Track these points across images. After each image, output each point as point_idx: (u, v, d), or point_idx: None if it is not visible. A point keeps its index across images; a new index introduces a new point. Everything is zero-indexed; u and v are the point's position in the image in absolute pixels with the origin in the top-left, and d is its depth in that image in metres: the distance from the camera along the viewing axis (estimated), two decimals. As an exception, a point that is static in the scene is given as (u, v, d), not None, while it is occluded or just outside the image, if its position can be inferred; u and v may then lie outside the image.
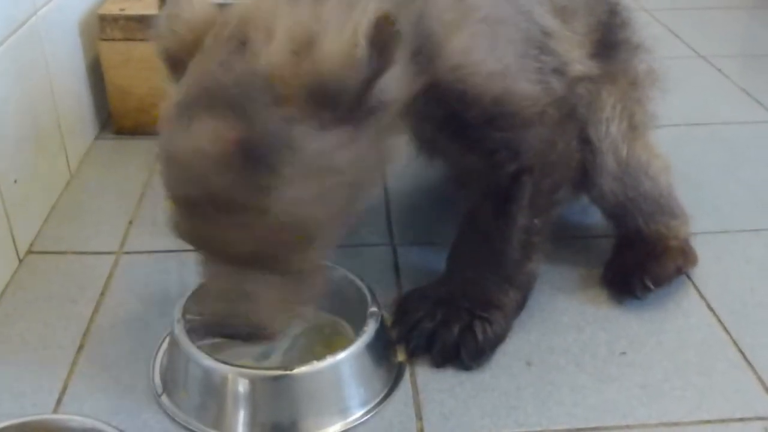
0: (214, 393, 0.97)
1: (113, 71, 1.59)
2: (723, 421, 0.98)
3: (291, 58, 0.80)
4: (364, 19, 0.78)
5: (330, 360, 0.97)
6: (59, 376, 1.05)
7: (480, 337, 1.06)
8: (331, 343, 1.07)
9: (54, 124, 1.43)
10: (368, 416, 0.98)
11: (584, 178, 1.14)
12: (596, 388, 1.03)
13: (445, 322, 1.06)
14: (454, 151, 1.08)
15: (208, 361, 0.98)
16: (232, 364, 0.97)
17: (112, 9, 1.56)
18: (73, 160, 1.51)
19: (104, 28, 1.55)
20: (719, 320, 1.14)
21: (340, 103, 0.81)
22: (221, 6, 0.91)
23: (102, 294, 1.20)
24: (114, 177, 1.51)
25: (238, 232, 0.82)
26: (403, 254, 1.29)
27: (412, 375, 1.05)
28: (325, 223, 0.86)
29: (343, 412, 0.98)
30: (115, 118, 1.65)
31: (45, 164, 1.38)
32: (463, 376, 1.04)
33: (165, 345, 1.07)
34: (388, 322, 1.10)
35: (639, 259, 1.19)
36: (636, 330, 1.12)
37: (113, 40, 1.56)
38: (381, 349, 1.03)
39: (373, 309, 1.04)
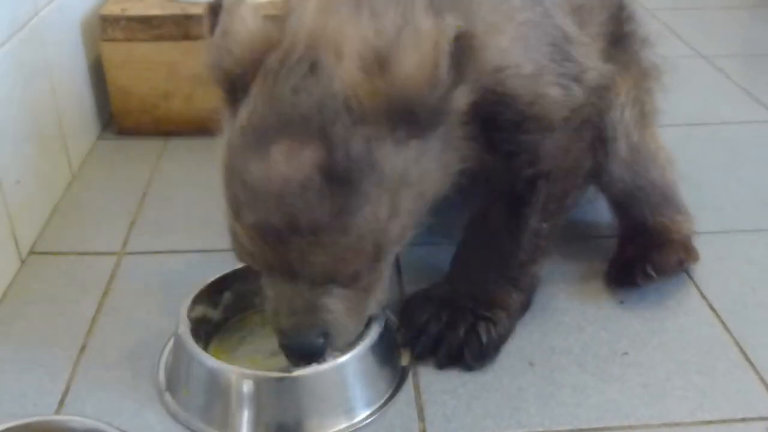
0: (218, 394, 0.97)
1: (115, 71, 1.59)
2: (725, 421, 0.98)
3: (364, 77, 0.81)
4: (443, 35, 0.79)
5: (333, 362, 0.96)
6: (62, 377, 1.05)
7: (484, 338, 1.06)
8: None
9: (56, 125, 1.43)
10: (373, 417, 0.99)
11: (596, 165, 1.14)
12: (598, 388, 1.03)
13: (450, 325, 1.06)
14: (475, 151, 1.08)
15: (211, 362, 0.98)
16: (236, 366, 0.98)
17: (114, 9, 1.56)
18: (74, 160, 1.51)
19: (106, 28, 1.55)
20: (721, 320, 1.14)
21: (416, 119, 0.82)
22: (274, 20, 0.90)
23: (104, 294, 1.20)
24: (116, 177, 1.51)
25: (316, 253, 0.83)
26: (405, 254, 1.28)
27: (415, 376, 1.05)
28: (396, 235, 0.88)
29: (348, 413, 0.98)
30: (117, 118, 1.65)
31: (47, 165, 1.39)
32: (466, 377, 1.04)
33: (170, 344, 1.08)
34: (392, 323, 1.10)
35: (642, 249, 1.19)
36: (638, 330, 1.13)
37: (115, 40, 1.56)
38: (385, 351, 1.03)
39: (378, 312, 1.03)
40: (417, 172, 0.86)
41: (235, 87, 0.87)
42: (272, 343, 0.97)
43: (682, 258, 1.20)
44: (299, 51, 0.84)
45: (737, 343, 1.10)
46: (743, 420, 0.98)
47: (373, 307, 0.96)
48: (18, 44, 1.27)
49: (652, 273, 1.16)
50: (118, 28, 1.55)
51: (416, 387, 1.03)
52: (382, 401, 1.00)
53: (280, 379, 0.95)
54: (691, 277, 1.22)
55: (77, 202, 1.43)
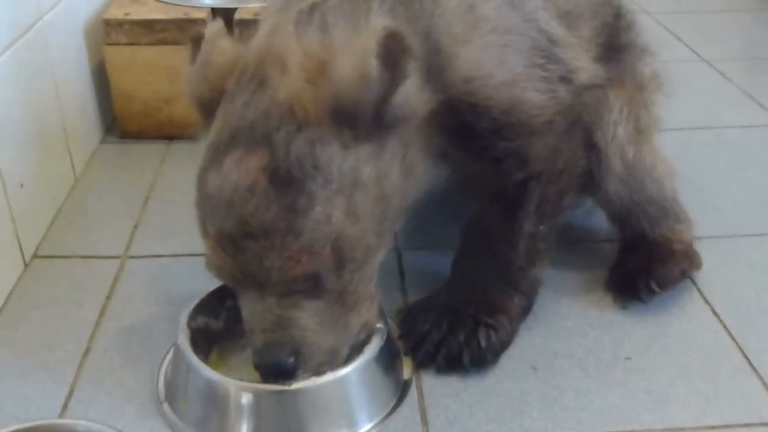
0: (216, 405, 0.96)
1: (118, 75, 1.60)
2: (728, 426, 0.98)
3: (306, 85, 0.84)
4: (373, 37, 0.82)
5: (335, 374, 0.95)
6: (65, 380, 1.05)
7: (483, 343, 1.06)
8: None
9: (59, 128, 1.43)
10: (375, 430, 0.98)
11: (590, 181, 1.15)
12: (601, 393, 1.03)
13: (451, 330, 1.06)
14: (461, 158, 1.08)
15: (210, 373, 0.97)
16: (235, 377, 0.98)
17: (117, 13, 1.57)
18: (78, 164, 1.51)
19: (109, 32, 1.56)
20: (724, 325, 1.14)
21: (359, 121, 0.84)
22: (243, 44, 0.93)
23: (108, 298, 1.20)
24: (119, 181, 1.51)
25: (271, 257, 0.85)
26: (407, 259, 1.29)
27: (418, 380, 1.05)
28: (357, 239, 0.88)
29: (350, 426, 0.97)
30: (120, 122, 1.65)
31: (50, 168, 1.39)
32: (469, 381, 1.04)
33: (170, 354, 1.07)
34: (394, 331, 1.10)
35: (644, 263, 1.19)
36: (640, 335, 1.13)
37: (118, 44, 1.57)
38: (387, 363, 1.02)
39: (379, 325, 1.02)
40: (372, 175, 0.88)
41: (209, 111, 0.91)
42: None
43: (684, 268, 1.20)
44: (251, 70, 0.88)
45: (740, 349, 1.10)
46: (746, 426, 0.98)
47: (355, 326, 0.95)
48: (22, 48, 1.28)
49: (655, 288, 1.16)
50: (121, 32, 1.56)
51: (419, 391, 1.03)
52: (384, 413, 1.00)
53: (280, 392, 0.94)
54: (694, 282, 1.22)
55: (80, 205, 1.43)
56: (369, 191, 0.88)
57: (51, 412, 1.00)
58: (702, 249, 1.24)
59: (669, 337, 1.12)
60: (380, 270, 1.23)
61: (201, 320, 1.06)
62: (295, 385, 0.93)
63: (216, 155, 0.87)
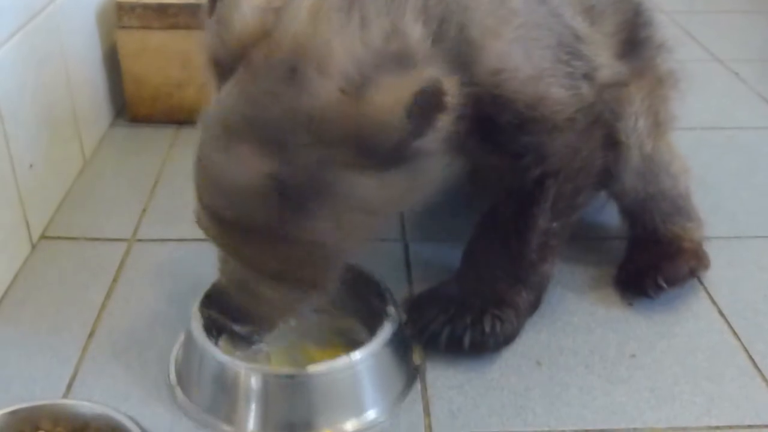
0: (225, 388, 0.97)
1: (129, 59, 1.60)
2: (731, 427, 0.98)
3: (339, 97, 0.82)
4: (410, 88, 0.81)
5: (347, 359, 0.96)
6: (70, 362, 1.05)
7: (487, 329, 1.06)
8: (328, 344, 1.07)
9: (69, 111, 1.43)
10: (384, 417, 0.98)
11: (607, 173, 1.14)
12: (605, 390, 1.02)
13: (458, 315, 1.06)
14: (480, 151, 1.08)
15: (222, 357, 0.98)
16: (246, 362, 0.98)
17: (130, -3, 1.57)
18: (87, 147, 1.51)
19: (121, 16, 1.56)
20: (730, 326, 1.14)
21: (375, 154, 0.84)
22: (271, 11, 0.90)
23: (114, 281, 1.20)
24: (128, 164, 1.52)
25: (257, 251, 0.88)
26: (414, 251, 1.29)
27: (422, 371, 1.05)
28: (342, 250, 0.91)
29: (359, 412, 0.97)
30: (130, 106, 1.65)
31: (60, 150, 1.39)
32: (473, 374, 1.04)
33: (181, 338, 1.07)
34: (404, 322, 1.09)
35: (653, 259, 1.19)
36: (646, 333, 1.12)
37: (130, 28, 1.57)
38: (398, 351, 1.02)
39: (391, 309, 1.03)
40: (375, 200, 0.89)
41: (223, 72, 0.90)
42: (284, 340, 1.00)
43: (693, 267, 1.20)
44: (284, 53, 0.85)
45: (746, 350, 1.09)
46: (750, 427, 0.98)
47: (306, 308, 0.99)
48: (33, 31, 1.28)
49: (663, 284, 1.16)
50: (133, 16, 1.56)
51: (423, 382, 1.03)
52: (393, 401, 1.00)
53: (291, 376, 0.95)
54: (701, 282, 1.22)
55: (89, 188, 1.44)
56: (367, 213, 0.89)
57: (55, 393, 1.00)
58: (710, 249, 1.23)
59: (675, 336, 1.12)
60: (387, 262, 1.25)
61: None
62: (309, 369, 0.95)
63: (225, 135, 0.86)
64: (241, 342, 1.00)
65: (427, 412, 0.99)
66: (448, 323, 1.06)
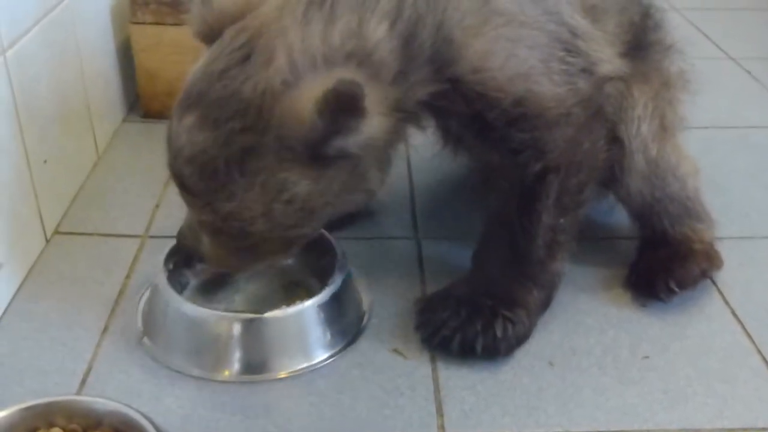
0: (197, 336, 1.05)
1: (143, 54, 1.60)
2: (745, 429, 0.97)
3: (278, 89, 0.87)
4: (322, 86, 0.84)
5: (299, 306, 1.05)
6: (83, 357, 1.06)
7: (499, 333, 1.06)
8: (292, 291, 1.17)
9: (83, 106, 1.43)
10: (332, 360, 1.06)
11: (612, 176, 1.14)
12: (618, 391, 1.03)
13: (469, 320, 1.06)
14: (479, 148, 1.08)
15: (187, 306, 1.06)
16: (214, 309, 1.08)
17: (144, -8, 1.57)
18: (100, 142, 1.52)
19: (135, 11, 1.56)
20: (743, 327, 1.13)
21: (297, 148, 0.88)
22: None
23: (127, 277, 1.21)
24: (141, 160, 1.52)
25: (193, 207, 0.97)
26: (427, 248, 1.29)
27: (434, 371, 1.05)
28: (269, 236, 0.96)
29: (307, 354, 1.06)
30: (143, 101, 1.65)
31: (73, 145, 1.39)
32: (485, 374, 1.04)
33: (147, 295, 1.15)
34: (353, 273, 1.16)
35: (663, 262, 1.19)
36: (659, 334, 1.12)
37: (144, 23, 1.57)
38: (348, 298, 1.11)
39: (342, 260, 1.13)
40: (302, 192, 0.92)
41: (206, 43, 0.97)
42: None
43: (704, 268, 1.19)
44: (246, 36, 0.91)
45: (759, 351, 1.09)
46: (764, 429, 0.97)
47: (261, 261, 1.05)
48: (49, 25, 1.28)
49: (675, 288, 1.15)
50: (147, 11, 1.56)
51: (435, 382, 1.03)
52: (341, 346, 1.08)
53: (251, 321, 1.05)
54: (714, 283, 1.22)
55: (102, 183, 1.44)
56: (293, 205, 0.92)
57: (69, 388, 1.01)
58: (722, 249, 1.23)
59: (688, 337, 1.12)
60: (400, 259, 1.25)
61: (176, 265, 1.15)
62: (264, 315, 1.05)
63: (183, 104, 0.92)
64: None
65: (439, 413, 0.99)
66: (460, 329, 1.06)
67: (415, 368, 1.05)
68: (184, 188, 0.95)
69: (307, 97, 0.85)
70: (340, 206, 0.99)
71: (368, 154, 0.94)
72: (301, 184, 0.91)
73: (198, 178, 0.91)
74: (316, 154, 0.89)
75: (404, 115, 0.96)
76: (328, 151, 0.89)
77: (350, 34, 0.89)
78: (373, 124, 0.89)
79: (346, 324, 1.10)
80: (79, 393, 1.00)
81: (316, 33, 0.89)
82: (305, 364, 1.05)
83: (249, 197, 0.91)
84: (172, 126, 0.94)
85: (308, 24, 0.89)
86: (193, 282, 1.18)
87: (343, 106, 0.85)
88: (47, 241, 1.27)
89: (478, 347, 1.05)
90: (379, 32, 0.90)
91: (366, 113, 0.87)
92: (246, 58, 0.89)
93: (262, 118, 0.87)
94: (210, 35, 0.96)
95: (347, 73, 0.86)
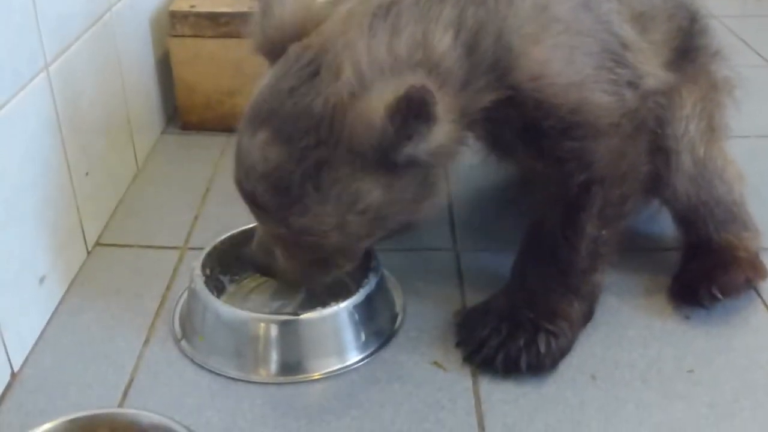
0: (236, 337, 1.07)
1: (182, 67, 1.61)
2: (794, 445, 0.96)
3: (347, 101, 0.87)
4: (395, 92, 0.84)
5: (334, 307, 1.06)
6: (125, 369, 1.06)
7: (543, 349, 1.05)
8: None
9: (124, 119, 1.45)
10: (365, 361, 1.08)
11: (658, 178, 1.13)
12: (662, 405, 1.01)
13: (511, 335, 1.06)
14: (525, 158, 1.07)
15: (225, 309, 1.08)
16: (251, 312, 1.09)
17: (183, 6, 1.58)
18: (140, 154, 1.53)
19: (174, 24, 1.57)
20: (790, 340, 1.11)
21: (368, 155, 0.88)
22: (318, 9, 0.98)
23: (167, 288, 1.21)
24: (180, 172, 1.53)
25: (264, 223, 0.98)
26: (466, 259, 1.28)
27: (475, 384, 1.04)
28: (341, 248, 0.97)
29: (342, 355, 1.08)
30: (182, 113, 1.67)
31: (114, 158, 1.41)
32: (527, 388, 1.03)
33: (184, 296, 1.18)
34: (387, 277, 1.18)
35: (707, 269, 1.17)
36: (703, 346, 1.10)
37: (183, 36, 1.58)
38: (381, 299, 1.13)
39: (375, 261, 1.13)
40: (375, 202, 0.92)
41: (272, 59, 0.97)
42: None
43: (749, 277, 1.17)
44: (313, 52, 0.92)
45: (807, 365, 1.07)
46: (813, 445, 0.96)
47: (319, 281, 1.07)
48: (91, 38, 1.29)
49: (718, 294, 1.14)
50: (186, 24, 1.57)
51: (476, 395, 1.02)
52: (375, 347, 1.10)
53: (285, 322, 1.07)
54: (758, 294, 1.19)
55: (142, 196, 1.45)
56: (366, 215, 0.93)
57: (111, 400, 1.01)
58: (767, 260, 1.21)
59: (733, 350, 1.10)
60: (439, 271, 1.25)
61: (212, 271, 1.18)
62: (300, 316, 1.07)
63: (254, 120, 0.93)
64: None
65: (481, 426, 0.98)
66: (502, 346, 1.05)
67: (456, 381, 1.05)
68: (257, 205, 0.95)
69: (378, 103, 0.85)
70: (411, 216, 0.98)
71: (437, 163, 0.93)
72: (373, 193, 0.91)
73: (272, 194, 0.92)
74: (387, 161, 0.88)
75: (468, 122, 0.96)
76: (398, 158, 0.88)
77: (416, 45, 0.90)
78: (443, 131, 0.88)
79: (380, 325, 1.12)
80: (121, 405, 1.01)
81: (382, 45, 0.89)
82: (339, 366, 1.07)
83: (324, 210, 0.91)
84: (242, 143, 0.94)
85: (374, 36, 0.90)
86: (230, 288, 1.20)
87: (414, 112, 0.84)
88: (88, 253, 1.28)
89: (523, 365, 1.04)
90: (444, 42, 0.90)
91: (437, 119, 0.86)
92: (314, 74, 0.90)
93: (334, 131, 0.88)
94: (272, 50, 0.97)
95: (418, 80, 0.86)
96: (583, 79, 0.97)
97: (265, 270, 1.06)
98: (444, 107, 0.88)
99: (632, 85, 1.01)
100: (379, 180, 0.91)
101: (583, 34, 0.97)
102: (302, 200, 0.91)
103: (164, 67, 1.64)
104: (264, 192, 0.92)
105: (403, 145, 0.87)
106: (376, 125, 0.85)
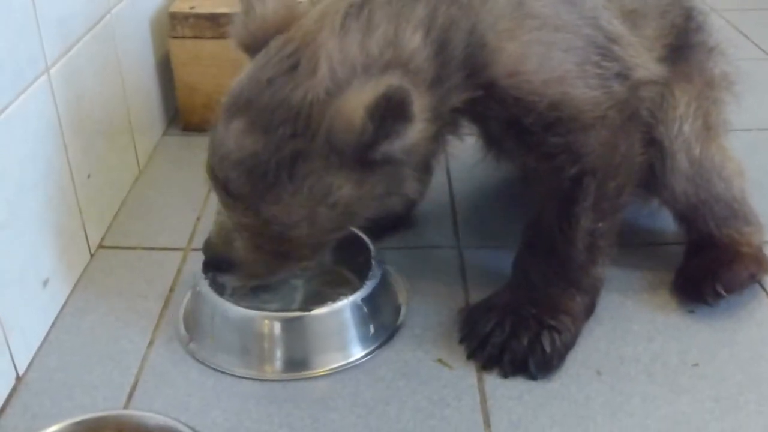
0: (242, 336, 1.08)
1: (182, 68, 1.61)
2: (800, 438, 0.96)
3: (323, 97, 0.89)
4: (378, 89, 0.85)
5: (338, 303, 1.07)
6: (130, 370, 1.06)
7: (548, 348, 1.05)
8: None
9: (125, 120, 1.45)
10: (369, 356, 1.08)
11: (655, 179, 1.13)
12: (668, 399, 1.01)
13: (514, 334, 1.06)
14: (517, 153, 1.08)
15: (230, 308, 1.08)
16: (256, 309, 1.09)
17: (183, 7, 1.58)
18: (142, 156, 1.53)
19: (174, 25, 1.57)
20: (794, 333, 1.11)
21: (346, 153, 0.89)
22: (297, 6, 0.99)
23: (171, 290, 1.21)
24: (181, 173, 1.53)
25: (232, 210, 0.97)
26: (469, 256, 1.28)
27: (480, 381, 1.04)
28: (307, 240, 0.98)
29: (345, 351, 1.08)
30: (183, 114, 1.67)
31: (116, 160, 1.41)
32: (532, 384, 1.03)
33: (188, 296, 1.18)
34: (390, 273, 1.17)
35: (710, 265, 1.17)
36: (708, 340, 1.10)
37: (183, 37, 1.58)
38: (383, 298, 1.13)
39: (376, 255, 1.15)
40: (346, 197, 0.93)
41: (253, 54, 0.99)
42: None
43: (753, 272, 1.17)
44: (293, 46, 0.93)
45: (812, 358, 1.07)
46: (819, 437, 0.96)
47: (293, 265, 1.06)
48: (90, 41, 1.29)
49: (722, 291, 1.13)
50: (186, 25, 1.57)
51: (481, 392, 1.02)
52: (379, 342, 1.10)
53: (290, 319, 1.08)
54: (763, 288, 1.19)
55: (144, 197, 1.45)
56: (336, 209, 0.94)
57: (117, 402, 1.01)
58: (770, 254, 1.21)
59: (737, 343, 1.10)
60: (442, 268, 1.25)
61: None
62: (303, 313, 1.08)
63: (231, 110, 0.94)
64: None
65: (487, 423, 0.98)
66: (506, 345, 1.06)
67: (461, 378, 1.05)
68: (227, 191, 0.95)
69: (357, 102, 0.86)
70: (377, 211, 1.00)
71: (410, 160, 0.95)
72: (345, 188, 0.92)
73: (245, 181, 0.92)
74: (363, 158, 0.90)
75: (442, 121, 0.97)
76: (375, 156, 0.89)
77: (387, 44, 0.91)
78: (418, 129, 0.89)
79: (385, 318, 1.12)
80: (126, 406, 1.01)
81: (354, 43, 0.91)
82: (343, 362, 1.07)
83: (295, 201, 0.92)
84: (217, 130, 0.95)
85: (346, 35, 0.91)
86: (230, 288, 1.18)
87: (393, 111, 0.85)
88: (91, 255, 1.28)
89: (532, 367, 1.04)
90: (414, 41, 0.91)
91: (414, 118, 0.87)
92: (294, 66, 0.91)
93: (311, 125, 0.89)
94: (253, 45, 0.98)
95: (396, 80, 0.87)
96: (563, 75, 0.97)
97: (218, 262, 1.04)
98: (419, 106, 0.89)
99: (621, 76, 1.01)
100: (351, 176, 0.92)
101: (562, 30, 0.97)
102: (275, 189, 0.92)
103: (165, 68, 1.64)
104: (236, 179, 0.93)
105: (380, 144, 0.88)
106: (356, 124, 0.86)
